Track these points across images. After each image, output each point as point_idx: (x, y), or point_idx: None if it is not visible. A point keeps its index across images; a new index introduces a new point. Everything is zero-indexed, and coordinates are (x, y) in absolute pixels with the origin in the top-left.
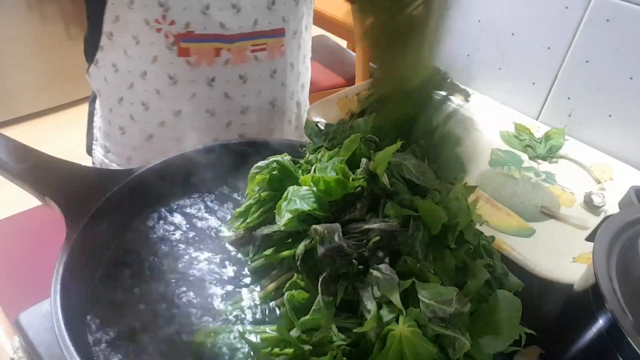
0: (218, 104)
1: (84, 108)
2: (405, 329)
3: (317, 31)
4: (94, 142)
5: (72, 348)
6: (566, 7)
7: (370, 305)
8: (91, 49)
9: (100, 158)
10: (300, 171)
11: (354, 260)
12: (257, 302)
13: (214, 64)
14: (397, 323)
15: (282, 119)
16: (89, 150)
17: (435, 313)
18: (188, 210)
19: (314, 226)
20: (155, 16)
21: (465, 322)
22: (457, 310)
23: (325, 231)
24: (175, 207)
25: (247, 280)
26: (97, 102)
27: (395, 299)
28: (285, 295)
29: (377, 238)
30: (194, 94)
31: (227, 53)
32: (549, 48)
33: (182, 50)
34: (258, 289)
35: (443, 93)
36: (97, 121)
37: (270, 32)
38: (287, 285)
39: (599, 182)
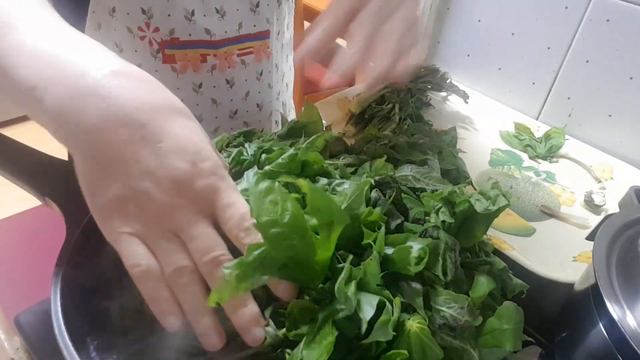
0: (205, 110)
1: None
2: (415, 325)
3: None
4: None
5: (72, 348)
6: (566, 7)
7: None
8: None
9: None
10: None
11: None
12: None
13: (200, 70)
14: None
15: (270, 120)
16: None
17: (447, 320)
18: None
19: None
20: (139, 24)
21: (472, 334)
22: (467, 323)
23: None
24: None
25: None
26: None
27: (420, 308)
28: None
29: None
30: (180, 100)
31: (213, 59)
32: (549, 48)
33: (167, 57)
34: None
35: (442, 93)
36: None
37: (255, 34)
38: None
39: (600, 182)
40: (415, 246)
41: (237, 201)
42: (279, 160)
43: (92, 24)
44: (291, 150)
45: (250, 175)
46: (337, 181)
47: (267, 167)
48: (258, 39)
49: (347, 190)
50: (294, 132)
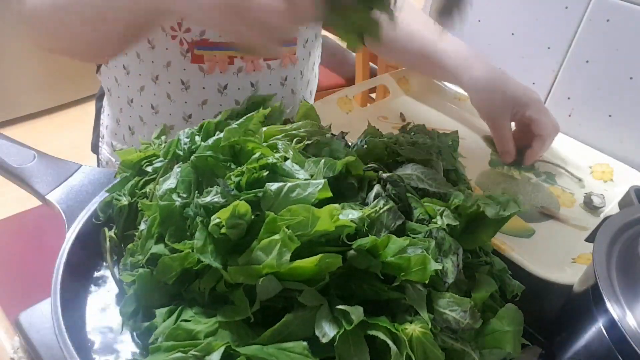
0: None
1: (84, 108)
2: (417, 329)
3: None
4: (100, 139)
5: (72, 348)
6: (566, 7)
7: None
8: None
9: (106, 156)
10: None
11: None
12: None
13: (226, 72)
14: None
15: None
16: (95, 148)
17: (449, 323)
18: None
19: None
20: (171, 23)
21: (472, 335)
22: (468, 325)
23: None
24: None
25: None
26: (106, 99)
27: (423, 312)
28: None
29: None
30: (205, 100)
31: (240, 61)
32: (549, 48)
33: (195, 57)
34: None
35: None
36: (105, 119)
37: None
38: None
39: (580, 180)
40: (415, 251)
41: None
42: (203, 144)
43: None
44: (220, 134)
45: (177, 171)
46: (289, 184)
47: (192, 157)
48: (285, 45)
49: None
50: (255, 108)
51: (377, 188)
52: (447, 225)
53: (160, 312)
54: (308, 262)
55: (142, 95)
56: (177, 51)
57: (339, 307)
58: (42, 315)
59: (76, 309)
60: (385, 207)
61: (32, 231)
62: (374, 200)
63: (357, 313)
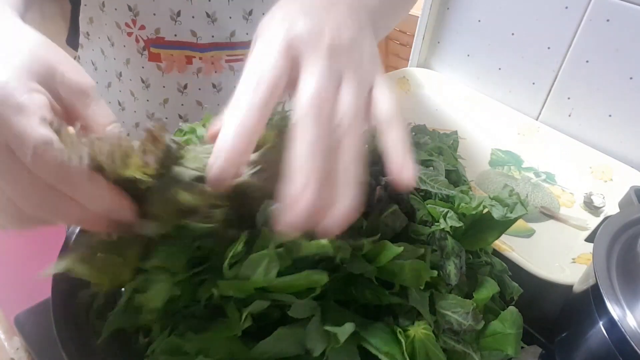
0: (191, 111)
1: None
2: (420, 331)
3: None
4: None
5: (71, 348)
6: (566, 7)
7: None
8: (73, 45)
9: None
10: None
11: None
12: None
13: (185, 72)
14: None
15: None
16: None
17: (451, 324)
18: None
19: None
20: (126, 20)
21: (473, 337)
22: (470, 327)
23: None
24: None
25: None
26: None
27: (426, 314)
28: None
29: None
30: (166, 99)
31: (199, 62)
32: (549, 48)
33: (152, 55)
34: None
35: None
36: None
37: (248, 43)
38: None
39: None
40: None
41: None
42: None
43: (85, 17)
44: None
45: None
46: None
47: None
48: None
49: None
50: None
51: (379, 190)
52: (451, 227)
53: (157, 325)
54: (294, 279)
55: (110, 92)
56: (134, 49)
57: (326, 327)
58: (42, 315)
59: (76, 309)
60: (389, 211)
61: (32, 231)
62: (376, 203)
63: (344, 331)
